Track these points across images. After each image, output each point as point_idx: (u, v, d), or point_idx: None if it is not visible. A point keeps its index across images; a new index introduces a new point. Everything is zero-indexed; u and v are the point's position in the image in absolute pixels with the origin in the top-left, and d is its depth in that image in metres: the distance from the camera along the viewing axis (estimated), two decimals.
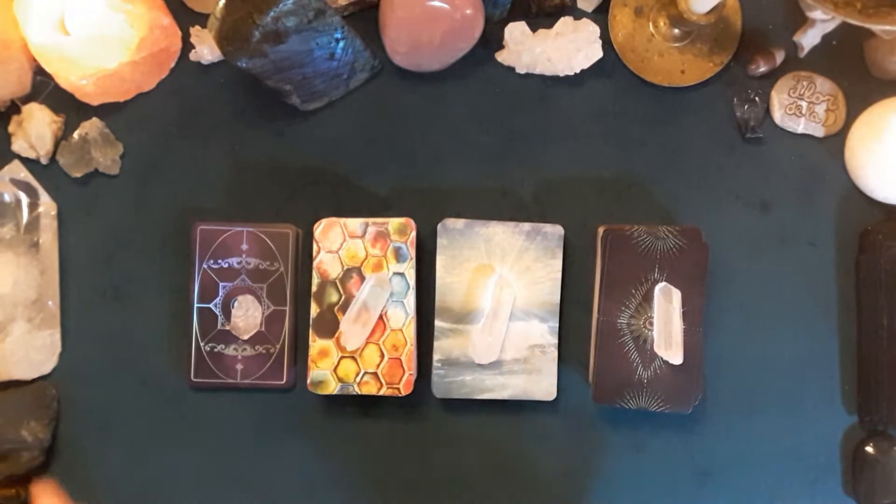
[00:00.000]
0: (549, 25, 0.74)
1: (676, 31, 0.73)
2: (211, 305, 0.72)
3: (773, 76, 0.75)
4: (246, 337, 0.72)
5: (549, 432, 0.74)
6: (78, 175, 0.74)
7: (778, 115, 0.74)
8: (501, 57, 0.75)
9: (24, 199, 0.74)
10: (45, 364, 0.73)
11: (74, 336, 0.74)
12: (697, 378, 0.69)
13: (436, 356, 0.71)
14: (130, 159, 0.75)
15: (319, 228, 0.69)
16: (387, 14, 0.71)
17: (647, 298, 0.69)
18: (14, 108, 0.74)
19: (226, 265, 0.72)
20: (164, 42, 0.74)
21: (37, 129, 0.73)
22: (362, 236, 0.69)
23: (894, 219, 0.74)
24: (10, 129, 0.74)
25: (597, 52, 0.73)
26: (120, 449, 0.73)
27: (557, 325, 0.71)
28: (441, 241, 0.71)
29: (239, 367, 0.72)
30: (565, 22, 0.73)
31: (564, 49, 0.73)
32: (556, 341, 0.71)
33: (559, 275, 0.71)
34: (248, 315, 0.72)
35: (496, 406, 0.73)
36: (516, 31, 0.73)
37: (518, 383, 0.71)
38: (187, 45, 0.75)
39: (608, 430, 0.74)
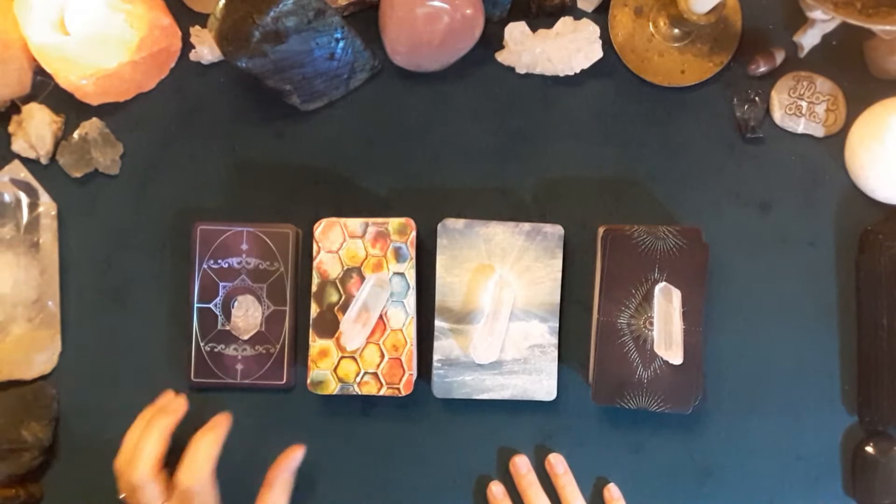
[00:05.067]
0: (549, 25, 0.74)
1: (676, 31, 0.73)
2: (211, 305, 0.72)
3: (773, 76, 0.75)
4: (246, 337, 0.72)
5: (549, 432, 0.74)
6: (78, 175, 0.74)
7: (778, 115, 0.74)
8: (501, 57, 0.75)
9: (24, 199, 0.74)
10: (45, 364, 0.73)
11: (74, 336, 0.74)
12: (697, 378, 0.69)
13: (436, 356, 0.71)
14: (130, 159, 0.75)
15: (319, 228, 0.69)
16: (387, 14, 0.71)
17: (647, 298, 0.69)
18: (14, 108, 0.74)
19: (226, 265, 0.72)
20: (164, 42, 0.74)
21: (37, 129, 0.73)
22: (362, 236, 0.69)
23: (894, 219, 0.74)
24: (10, 129, 0.74)
25: (597, 52, 0.73)
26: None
27: (557, 325, 0.71)
28: (441, 241, 0.71)
29: (239, 367, 0.72)
30: (565, 22, 0.73)
31: (564, 49, 0.73)
32: (556, 341, 0.71)
33: (559, 275, 0.71)
34: (248, 315, 0.72)
35: (496, 406, 0.73)
36: (516, 31, 0.73)
37: (518, 383, 0.71)
38: (187, 45, 0.75)
39: (608, 430, 0.74)
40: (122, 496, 0.66)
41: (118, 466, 0.65)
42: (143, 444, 0.63)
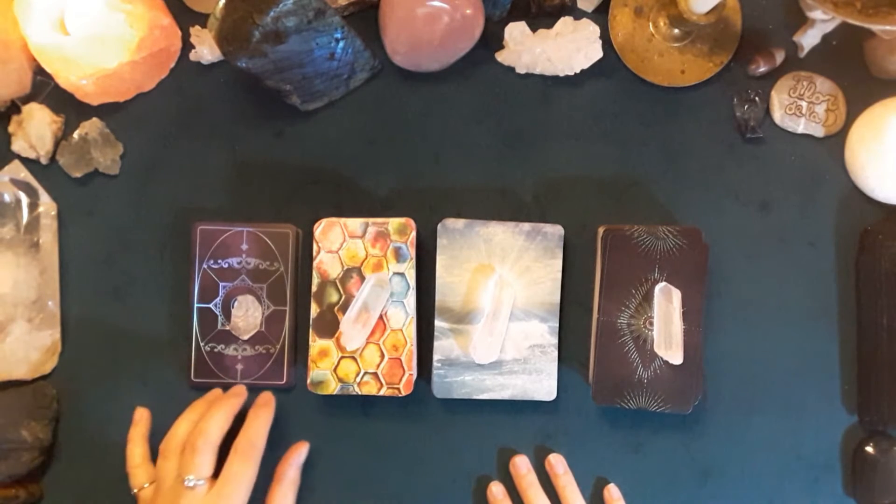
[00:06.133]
0: (549, 25, 0.74)
1: (676, 31, 0.73)
2: (211, 305, 0.72)
3: (773, 76, 0.75)
4: (246, 337, 0.72)
5: (549, 432, 0.74)
6: (78, 175, 0.74)
7: (778, 115, 0.74)
8: (501, 57, 0.75)
9: (24, 199, 0.74)
10: (45, 364, 0.73)
11: (74, 336, 0.74)
12: (697, 378, 0.69)
13: (436, 356, 0.71)
14: (130, 159, 0.75)
15: (319, 228, 0.69)
16: (387, 14, 0.71)
17: (647, 298, 0.69)
18: (14, 108, 0.74)
19: (226, 265, 0.72)
20: (164, 42, 0.74)
21: (37, 129, 0.73)
22: (362, 236, 0.69)
23: (894, 219, 0.74)
24: (10, 129, 0.74)
25: (597, 52, 0.73)
26: (120, 449, 0.73)
27: (557, 325, 0.71)
28: (441, 241, 0.71)
29: (239, 367, 0.72)
30: (565, 22, 0.73)
31: (564, 49, 0.73)
32: (556, 341, 0.71)
33: (559, 275, 0.71)
34: (248, 315, 0.72)
35: (496, 406, 0.73)
36: (516, 31, 0.73)
37: (518, 383, 0.71)
38: (187, 45, 0.75)
39: (608, 430, 0.74)
40: (135, 490, 0.67)
41: (168, 447, 0.66)
42: (215, 414, 0.65)
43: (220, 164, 0.75)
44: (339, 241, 0.69)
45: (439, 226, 0.70)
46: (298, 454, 0.71)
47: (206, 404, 0.68)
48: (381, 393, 0.69)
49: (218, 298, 0.72)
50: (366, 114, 0.75)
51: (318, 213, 0.72)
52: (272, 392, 0.72)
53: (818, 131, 0.74)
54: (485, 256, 0.71)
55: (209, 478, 0.64)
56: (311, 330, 0.69)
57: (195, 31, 0.75)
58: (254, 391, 0.73)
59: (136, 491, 0.67)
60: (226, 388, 0.72)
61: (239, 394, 0.69)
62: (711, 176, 0.75)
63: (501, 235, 0.71)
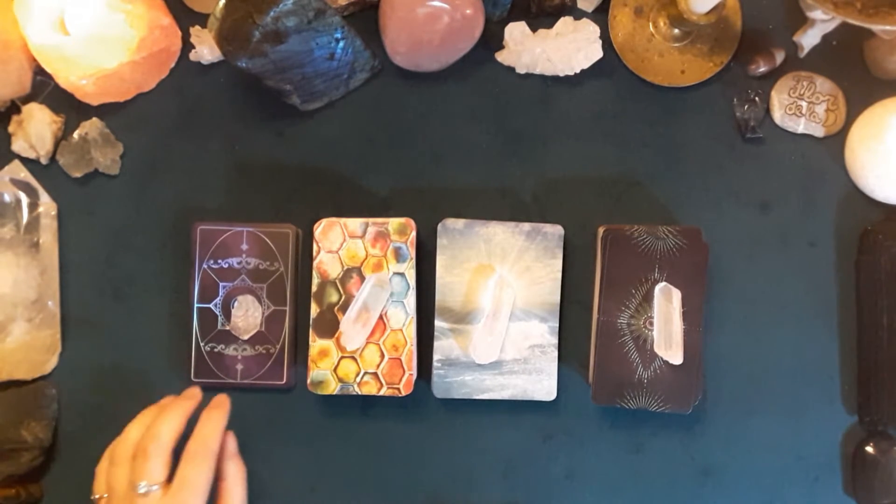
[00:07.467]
0: (549, 25, 0.74)
1: (676, 31, 0.73)
2: (211, 305, 0.72)
3: (773, 76, 0.75)
4: (246, 337, 0.72)
5: (549, 432, 0.74)
6: (78, 175, 0.74)
7: (778, 115, 0.74)
8: (501, 57, 0.75)
9: (24, 199, 0.74)
10: (45, 364, 0.73)
11: (74, 336, 0.74)
12: (697, 378, 0.69)
13: (436, 356, 0.71)
14: (130, 159, 0.75)
15: (319, 228, 0.69)
16: (387, 14, 0.71)
17: (647, 298, 0.69)
18: (14, 108, 0.74)
19: (226, 265, 0.72)
20: (164, 42, 0.74)
21: (37, 129, 0.73)
22: (362, 236, 0.69)
23: (894, 219, 0.74)
24: (10, 129, 0.74)
25: (597, 52, 0.73)
26: None
27: (557, 325, 0.71)
28: (441, 241, 0.71)
29: (239, 367, 0.72)
30: (565, 22, 0.73)
31: (564, 49, 0.73)
32: (556, 341, 0.71)
33: (559, 275, 0.71)
34: (248, 315, 0.72)
35: (496, 406, 0.73)
36: (516, 31, 0.73)
37: (518, 383, 0.71)
38: (187, 45, 0.75)
39: (608, 430, 0.74)
40: (97, 496, 0.62)
41: (118, 453, 0.61)
42: (167, 417, 0.61)
43: (220, 164, 0.75)
44: (339, 241, 0.69)
45: (439, 226, 0.70)
46: (228, 445, 0.64)
47: (159, 409, 0.63)
48: (381, 393, 0.69)
49: (218, 298, 0.72)
50: (366, 114, 0.75)
51: (318, 213, 0.72)
52: (275, 393, 0.72)
53: (818, 131, 0.74)
54: (485, 256, 0.71)
55: (163, 483, 0.59)
56: (311, 330, 0.69)
57: (195, 31, 0.75)
58: (254, 391, 0.73)
59: (95, 497, 0.62)
60: (226, 388, 0.72)
61: (192, 396, 0.65)
62: (711, 176, 0.75)
63: (501, 235, 0.71)
